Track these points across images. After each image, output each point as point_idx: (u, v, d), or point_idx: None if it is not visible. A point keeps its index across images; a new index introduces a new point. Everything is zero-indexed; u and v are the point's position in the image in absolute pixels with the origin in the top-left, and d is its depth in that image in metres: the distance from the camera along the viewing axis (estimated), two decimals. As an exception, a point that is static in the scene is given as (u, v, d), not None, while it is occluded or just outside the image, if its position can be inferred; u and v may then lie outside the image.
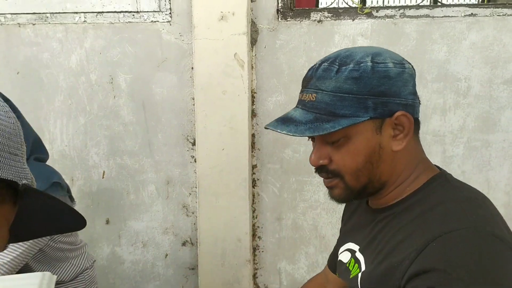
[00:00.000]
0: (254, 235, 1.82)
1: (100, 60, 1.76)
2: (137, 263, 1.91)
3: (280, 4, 1.65)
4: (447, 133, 1.67)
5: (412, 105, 0.81)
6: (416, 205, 0.83)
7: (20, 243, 1.13)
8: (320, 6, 2.34)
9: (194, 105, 1.73)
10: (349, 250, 0.98)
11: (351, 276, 0.91)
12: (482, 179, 1.70)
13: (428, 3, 1.90)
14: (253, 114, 1.73)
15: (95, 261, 1.47)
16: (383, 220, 0.88)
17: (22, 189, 0.51)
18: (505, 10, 1.55)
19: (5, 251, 1.02)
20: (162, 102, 1.77)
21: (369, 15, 1.61)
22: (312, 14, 1.65)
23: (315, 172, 0.88)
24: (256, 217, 1.81)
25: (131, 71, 1.76)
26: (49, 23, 1.75)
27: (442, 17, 1.59)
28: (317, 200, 1.77)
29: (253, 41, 1.68)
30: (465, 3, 1.56)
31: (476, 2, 1.62)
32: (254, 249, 1.83)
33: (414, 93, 0.83)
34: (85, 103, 1.79)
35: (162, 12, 1.71)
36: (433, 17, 1.60)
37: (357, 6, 1.63)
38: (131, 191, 1.85)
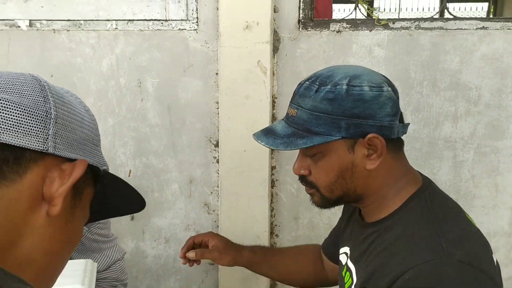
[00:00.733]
0: (272, 233, 1.92)
1: (130, 65, 1.87)
2: (159, 258, 2.00)
3: (301, 15, 1.75)
4: (458, 139, 1.75)
5: (389, 127, 0.85)
6: (396, 224, 0.88)
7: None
8: (335, 17, 2.43)
9: (217, 108, 1.82)
10: (345, 253, 1.06)
11: (346, 286, 0.99)
12: (490, 184, 1.78)
13: (441, 16, 1.99)
14: (273, 118, 1.82)
15: (125, 253, 1.57)
16: (372, 235, 0.93)
17: (102, 174, 0.61)
18: (515, 24, 1.64)
19: None
20: (186, 106, 1.87)
21: (385, 26, 1.71)
22: (331, 24, 1.74)
23: (298, 180, 0.99)
24: (274, 216, 1.90)
25: (158, 76, 1.86)
26: (83, 29, 1.86)
27: (455, 29, 1.68)
28: (332, 201, 1.86)
29: (275, 49, 1.78)
30: (477, 16, 1.64)
31: (487, 16, 1.71)
32: (272, 246, 1.92)
33: (394, 115, 0.86)
34: (114, 105, 1.89)
35: (189, 20, 1.82)
36: (446, 29, 1.69)
37: (374, 18, 1.73)
38: (155, 190, 1.95)
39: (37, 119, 0.51)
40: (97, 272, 1.44)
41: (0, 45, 1.90)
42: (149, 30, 1.84)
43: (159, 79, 1.87)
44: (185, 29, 1.82)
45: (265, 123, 1.77)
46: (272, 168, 1.87)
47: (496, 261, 0.84)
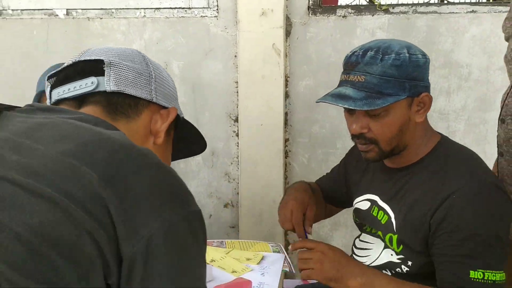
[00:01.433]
0: (285, 198, 2.15)
1: (157, 49, 2.08)
2: (185, 223, 2.24)
3: (311, 2, 1.96)
4: (450, 112, 1.98)
5: (429, 86, 1.08)
6: (431, 164, 1.08)
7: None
8: (340, 3, 2.64)
9: (237, 87, 2.04)
10: (368, 200, 1.24)
11: (383, 222, 1.16)
12: (479, 151, 2.00)
13: (436, 1, 2.20)
14: (286, 95, 2.04)
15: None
16: (405, 176, 1.12)
17: (181, 121, 0.84)
18: (501, 8, 1.85)
19: None
20: (209, 85, 2.09)
21: (386, 11, 1.92)
22: (337, 10, 1.96)
23: (352, 139, 1.13)
24: (288, 183, 2.13)
25: (183, 58, 2.08)
26: (114, 17, 2.08)
27: (448, 13, 1.89)
28: (339, 169, 2.09)
29: (287, 33, 1.99)
30: (467, 1, 1.86)
31: (476, 1, 1.92)
32: (286, 210, 2.16)
33: (428, 77, 1.09)
34: (143, 85, 2.11)
35: (210, 8, 2.03)
36: (440, 13, 1.90)
37: (376, 3, 1.94)
38: (181, 161, 2.17)
39: (145, 78, 0.74)
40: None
41: (40, 32, 2.12)
42: (174, 18, 2.05)
43: (184, 62, 2.09)
44: (206, 16, 2.03)
45: (279, 100, 1.99)
46: (286, 140, 2.10)
47: None
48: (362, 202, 1.27)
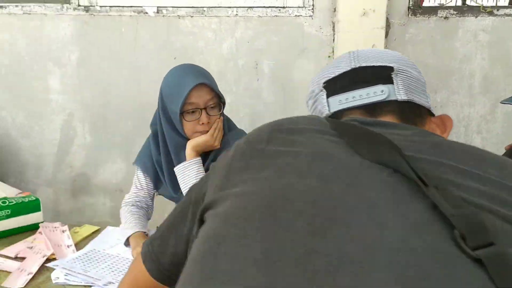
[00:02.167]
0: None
1: (248, 48, 2.05)
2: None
3: (411, 2, 1.93)
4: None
5: None
6: None
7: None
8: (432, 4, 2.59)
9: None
10: None
11: None
12: None
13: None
14: (381, 97, 2.01)
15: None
16: None
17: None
18: None
19: None
20: (300, 86, 2.06)
21: (490, 13, 1.88)
22: (439, 11, 1.92)
23: None
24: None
25: (274, 58, 2.05)
26: (205, 15, 2.05)
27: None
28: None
29: (385, 34, 1.96)
30: None
31: None
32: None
33: None
34: (232, 84, 2.09)
35: (305, 8, 1.99)
36: (546, 16, 1.86)
37: (479, 5, 1.90)
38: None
39: (422, 85, 0.68)
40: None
41: (128, 30, 2.09)
42: (267, 16, 2.02)
43: (275, 61, 2.06)
44: (301, 15, 2.00)
45: (376, 101, 1.96)
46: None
47: None
48: None
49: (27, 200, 1.33)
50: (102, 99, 2.20)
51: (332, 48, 1.98)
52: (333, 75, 0.67)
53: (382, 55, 0.69)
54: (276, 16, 2.02)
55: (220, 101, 1.29)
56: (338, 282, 0.38)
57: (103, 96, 2.20)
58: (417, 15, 1.93)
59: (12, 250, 1.18)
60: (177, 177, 1.31)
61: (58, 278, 1.05)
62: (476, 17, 1.89)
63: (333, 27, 1.96)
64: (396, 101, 0.65)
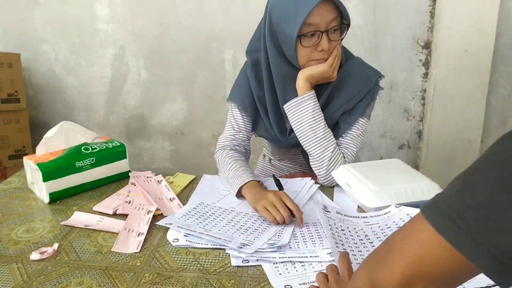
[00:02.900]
0: (480, 137, 1.86)
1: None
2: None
3: None
4: None
5: None
6: None
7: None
8: None
9: (431, 6, 1.69)
10: None
11: None
12: None
13: None
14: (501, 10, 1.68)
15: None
16: None
17: None
18: None
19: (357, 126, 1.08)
20: (393, 4, 1.73)
21: None
22: None
23: None
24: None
25: (364, -30, 1.71)
26: None
27: None
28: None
29: None
30: None
31: None
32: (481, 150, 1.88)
33: None
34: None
35: None
36: None
37: None
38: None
39: None
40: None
41: None
42: None
43: (365, -25, 1.72)
44: None
45: (493, 19, 1.64)
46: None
47: None
48: None
49: (111, 146, 1.09)
50: (157, 29, 1.91)
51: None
52: None
53: None
54: None
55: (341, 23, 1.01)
56: None
57: (158, 24, 1.90)
58: None
59: (107, 205, 0.97)
60: (288, 116, 1.05)
61: (177, 240, 0.83)
62: None
63: None
64: None
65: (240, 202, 0.99)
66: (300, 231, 0.86)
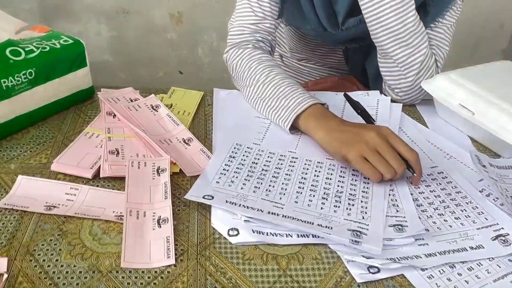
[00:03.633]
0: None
1: None
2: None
3: None
4: None
5: None
6: None
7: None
8: None
9: None
10: None
11: None
12: None
13: None
14: None
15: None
16: None
17: None
18: None
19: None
20: None
21: None
22: None
23: None
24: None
25: None
26: None
27: None
28: None
29: None
30: None
31: None
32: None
33: None
34: None
35: None
36: None
37: None
38: None
39: None
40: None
41: None
42: None
43: None
44: None
45: None
46: None
47: None
48: None
49: (58, 45, 0.62)
50: None
51: None
52: None
53: None
54: None
55: None
56: None
57: None
58: None
59: (73, 158, 0.54)
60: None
61: (236, 232, 0.46)
62: None
63: None
64: None
65: (298, 140, 0.62)
66: (420, 193, 0.53)
